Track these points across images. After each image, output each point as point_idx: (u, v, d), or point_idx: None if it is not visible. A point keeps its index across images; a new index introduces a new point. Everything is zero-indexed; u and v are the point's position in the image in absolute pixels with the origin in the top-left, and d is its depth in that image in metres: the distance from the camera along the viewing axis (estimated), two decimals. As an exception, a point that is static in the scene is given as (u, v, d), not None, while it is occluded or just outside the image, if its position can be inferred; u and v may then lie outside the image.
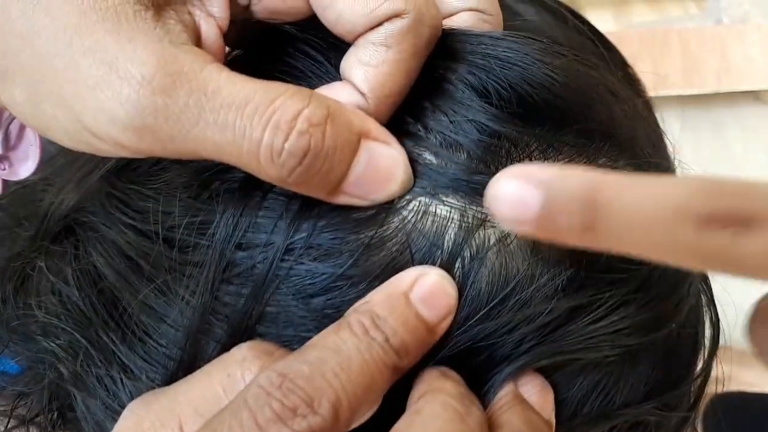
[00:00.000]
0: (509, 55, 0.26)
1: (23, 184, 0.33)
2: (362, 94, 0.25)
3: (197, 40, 0.25)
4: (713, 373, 0.35)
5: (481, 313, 0.25)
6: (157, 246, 0.26)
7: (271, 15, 0.27)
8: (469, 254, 0.25)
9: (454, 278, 0.25)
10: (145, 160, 0.28)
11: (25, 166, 0.39)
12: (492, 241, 0.25)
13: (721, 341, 0.33)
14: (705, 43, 1.02)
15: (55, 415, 0.29)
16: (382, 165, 0.25)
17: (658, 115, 0.33)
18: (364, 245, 0.25)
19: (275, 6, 0.26)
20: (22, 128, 0.39)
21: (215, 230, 0.25)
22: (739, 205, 0.19)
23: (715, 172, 0.21)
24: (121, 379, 0.26)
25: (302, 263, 0.25)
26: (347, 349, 0.23)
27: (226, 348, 0.25)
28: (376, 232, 0.25)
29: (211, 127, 0.22)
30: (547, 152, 0.26)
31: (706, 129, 1.06)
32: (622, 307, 0.26)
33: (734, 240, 0.19)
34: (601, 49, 0.33)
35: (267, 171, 0.23)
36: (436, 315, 0.24)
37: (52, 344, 0.28)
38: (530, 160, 0.26)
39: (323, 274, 0.25)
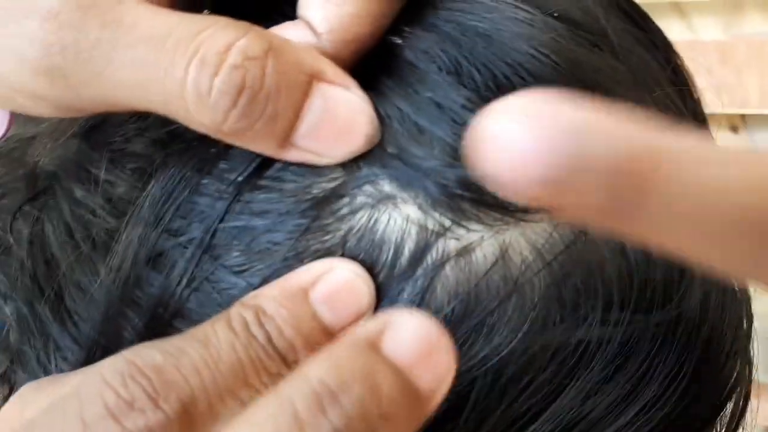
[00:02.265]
0: (485, 26, 0.22)
1: (17, 139, 0.32)
2: (318, 35, 0.21)
3: None
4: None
5: None
6: (95, 218, 0.25)
7: None
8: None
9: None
10: (108, 122, 0.26)
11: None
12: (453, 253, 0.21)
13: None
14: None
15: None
16: (341, 113, 0.21)
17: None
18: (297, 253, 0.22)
19: None
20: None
21: (141, 207, 0.23)
22: None
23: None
24: (55, 358, 0.25)
25: (225, 267, 0.23)
26: (217, 344, 0.19)
27: (142, 338, 0.23)
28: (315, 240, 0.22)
29: (128, 67, 0.20)
30: None
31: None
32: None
33: None
34: (641, 30, 0.27)
35: (198, 118, 0.20)
36: (339, 318, 0.21)
37: (6, 308, 0.27)
38: None
39: (241, 286, 0.22)
